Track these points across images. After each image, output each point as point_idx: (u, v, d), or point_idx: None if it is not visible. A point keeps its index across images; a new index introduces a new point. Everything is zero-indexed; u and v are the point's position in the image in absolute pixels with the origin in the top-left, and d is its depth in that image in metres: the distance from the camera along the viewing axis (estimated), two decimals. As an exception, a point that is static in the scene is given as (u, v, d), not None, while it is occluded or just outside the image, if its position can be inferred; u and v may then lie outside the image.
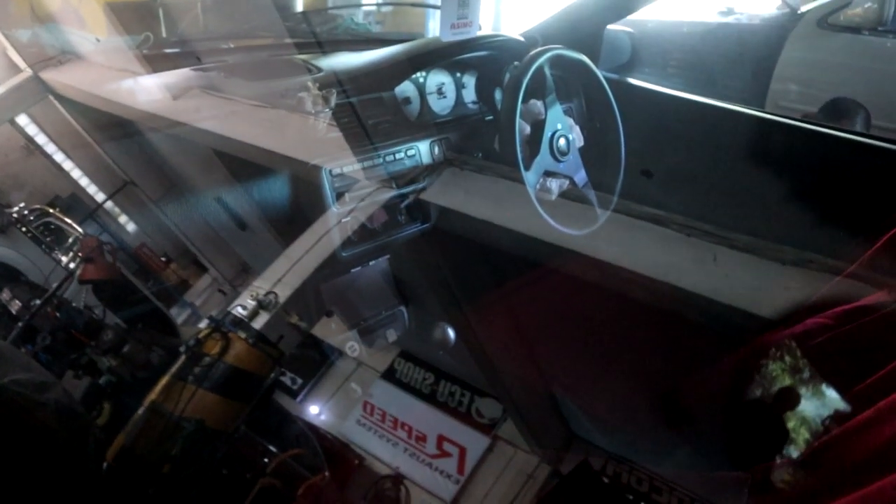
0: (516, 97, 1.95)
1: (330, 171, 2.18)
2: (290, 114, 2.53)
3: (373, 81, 2.32)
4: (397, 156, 2.27)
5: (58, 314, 2.71)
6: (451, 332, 3.64)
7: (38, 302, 2.77)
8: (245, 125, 2.72)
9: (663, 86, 2.55)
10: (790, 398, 1.42)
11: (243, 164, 3.69)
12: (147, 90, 3.25)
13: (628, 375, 3.18)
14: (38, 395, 1.29)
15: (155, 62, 3.07)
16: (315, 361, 6.59)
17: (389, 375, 6.09)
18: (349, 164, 2.21)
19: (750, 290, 1.62)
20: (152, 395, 1.88)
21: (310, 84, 2.12)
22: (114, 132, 4.35)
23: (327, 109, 2.14)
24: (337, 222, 2.21)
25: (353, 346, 5.32)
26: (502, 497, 5.05)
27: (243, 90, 2.81)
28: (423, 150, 2.33)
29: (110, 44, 3.39)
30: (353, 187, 2.24)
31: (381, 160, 2.22)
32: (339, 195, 2.21)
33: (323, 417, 6.10)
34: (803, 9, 3.31)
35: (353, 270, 2.44)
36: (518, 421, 4.83)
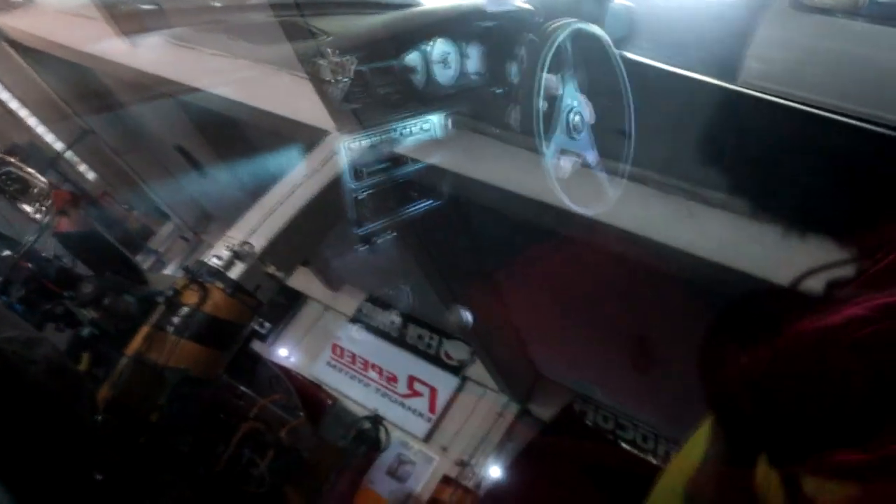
0: (539, 73, 1.86)
1: (347, 145, 2.07)
2: (275, 70, 2.42)
3: (385, 48, 2.14)
4: (413, 129, 2.18)
5: (29, 265, 2.70)
6: (468, 316, 3.74)
7: (8, 253, 2.75)
8: (225, 79, 2.64)
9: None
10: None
11: (208, 115, 3.59)
12: (105, 36, 3.14)
13: (601, 321, 3.27)
14: (29, 352, 1.31)
15: (121, 16, 2.96)
16: (283, 306, 6.68)
17: (357, 319, 6.19)
18: (367, 138, 2.10)
19: (724, 244, 1.69)
20: (135, 345, 1.93)
21: (328, 50, 1.90)
22: (71, 80, 4.23)
23: (346, 79, 1.93)
24: (353, 198, 2.13)
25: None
26: (473, 433, 5.25)
27: (236, 50, 2.67)
28: (436, 124, 2.24)
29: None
30: (369, 161, 2.14)
31: (397, 133, 2.15)
32: (355, 171, 2.11)
33: (293, 360, 6.20)
34: (779, -15, 3.24)
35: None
36: (487, 362, 4.97)
